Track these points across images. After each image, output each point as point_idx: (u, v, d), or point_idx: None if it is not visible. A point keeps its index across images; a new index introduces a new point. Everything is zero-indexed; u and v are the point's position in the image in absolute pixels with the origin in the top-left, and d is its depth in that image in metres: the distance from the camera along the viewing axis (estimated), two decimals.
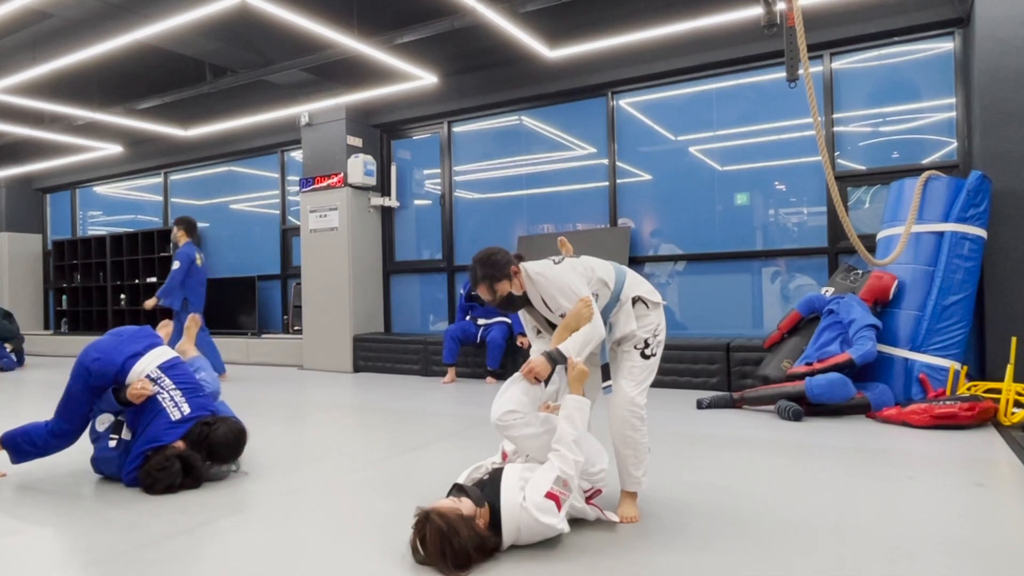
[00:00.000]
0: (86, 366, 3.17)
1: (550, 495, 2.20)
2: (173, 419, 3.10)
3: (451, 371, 6.70)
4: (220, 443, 3.11)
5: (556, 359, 2.43)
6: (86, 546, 2.46)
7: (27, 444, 3.23)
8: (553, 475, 2.23)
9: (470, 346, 6.73)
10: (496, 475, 2.35)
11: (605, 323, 2.56)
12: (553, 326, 2.62)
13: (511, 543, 2.24)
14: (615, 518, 2.51)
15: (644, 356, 2.59)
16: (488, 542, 2.16)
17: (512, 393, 2.43)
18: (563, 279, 2.52)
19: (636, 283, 2.68)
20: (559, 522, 2.20)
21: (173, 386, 3.20)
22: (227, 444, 3.13)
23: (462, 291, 6.93)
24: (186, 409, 3.15)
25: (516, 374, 2.50)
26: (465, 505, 2.18)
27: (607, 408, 2.61)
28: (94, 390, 3.18)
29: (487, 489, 2.29)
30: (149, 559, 2.31)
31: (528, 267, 2.58)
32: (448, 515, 2.10)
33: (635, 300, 2.63)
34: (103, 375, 3.15)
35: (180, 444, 3.09)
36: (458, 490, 2.27)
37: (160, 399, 3.14)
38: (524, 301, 2.61)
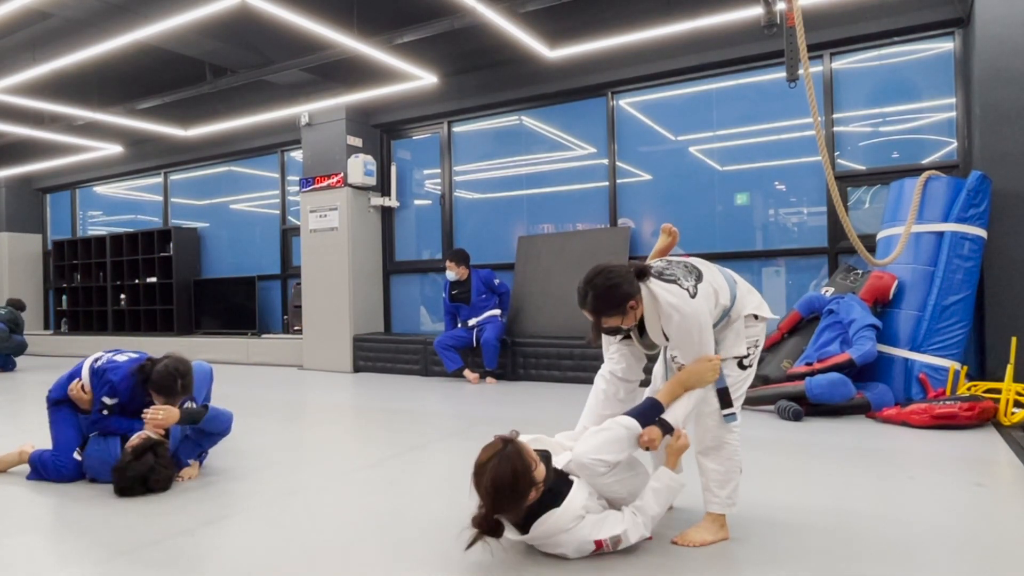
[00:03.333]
0: (49, 390, 3.43)
1: (599, 543, 2.14)
2: (120, 360, 3.30)
3: (467, 373, 6.59)
4: (160, 374, 3.17)
5: (666, 431, 2.22)
6: (86, 546, 2.46)
7: (40, 465, 3.34)
8: (617, 531, 2.15)
9: (466, 349, 6.72)
10: (561, 482, 2.18)
11: None
12: (643, 333, 2.34)
13: (527, 542, 2.20)
14: (648, 534, 2.29)
15: (741, 367, 2.36)
16: (514, 516, 2.11)
17: (607, 439, 2.19)
18: (699, 322, 2.19)
19: (747, 295, 2.39)
20: (578, 556, 2.17)
21: (115, 353, 3.41)
22: (166, 374, 3.16)
23: (444, 294, 6.92)
24: (132, 355, 3.36)
25: (614, 420, 2.22)
26: (539, 473, 2.09)
27: (694, 419, 2.37)
28: (63, 404, 3.39)
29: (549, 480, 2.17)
30: (149, 559, 2.31)
31: (658, 292, 2.20)
32: (526, 461, 2.05)
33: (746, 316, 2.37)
34: (61, 387, 3.38)
35: (137, 439, 3.16)
36: (546, 459, 2.20)
37: (103, 360, 3.33)
38: (629, 329, 2.32)
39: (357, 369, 7.73)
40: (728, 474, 2.33)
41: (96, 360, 3.38)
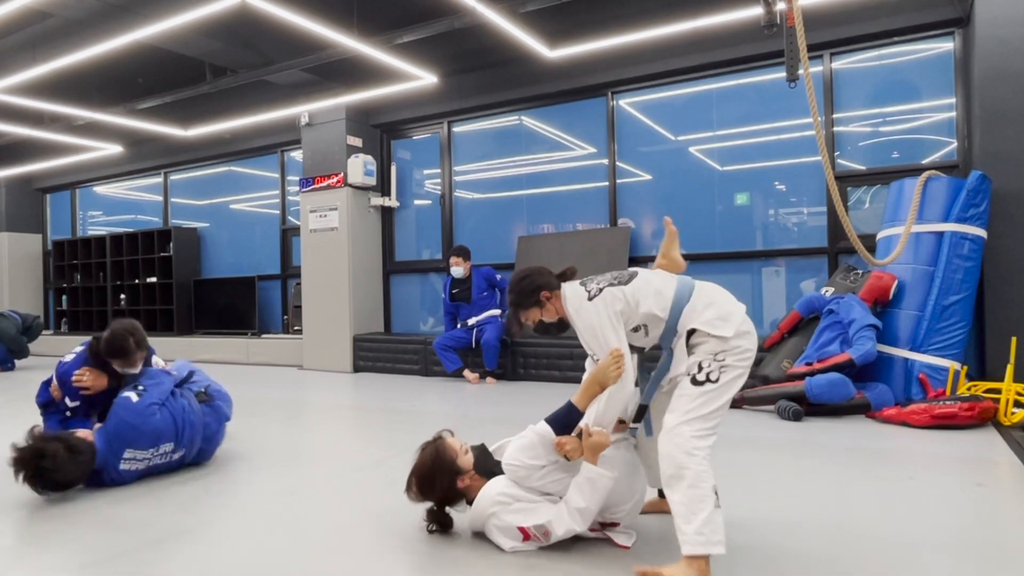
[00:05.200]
0: (36, 395, 3.61)
1: (522, 530, 2.23)
2: (69, 360, 3.45)
3: (467, 373, 6.59)
4: (108, 340, 3.26)
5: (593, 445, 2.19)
6: (86, 546, 2.46)
7: None
8: (539, 520, 2.21)
9: (465, 350, 6.72)
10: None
11: (666, 351, 2.27)
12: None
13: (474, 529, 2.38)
14: (626, 543, 2.28)
15: (696, 382, 2.12)
16: (454, 500, 2.37)
17: (521, 446, 2.29)
18: (591, 322, 2.19)
19: (699, 309, 2.18)
20: (513, 548, 2.24)
21: (71, 353, 3.55)
22: (115, 336, 3.24)
23: (444, 294, 6.92)
24: (79, 348, 3.50)
25: (540, 427, 2.28)
26: (465, 461, 2.34)
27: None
28: (50, 407, 3.53)
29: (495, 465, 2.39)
30: (149, 559, 2.31)
31: (567, 294, 2.29)
32: (446, 455, 2.33)
33: (691, 332, 2.18)
34: (44, 391, 3.52)
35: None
36: (479, 448, 2.40)
37: (61, 363, 3.51)
38: (566, 324, 2.35)
39: (357, 369, 7.73)
40: (693, 505, 2.00)
41: (61, 361, 3.46)
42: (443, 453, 2.33)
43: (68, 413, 3.40)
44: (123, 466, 3.05)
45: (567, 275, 2.38)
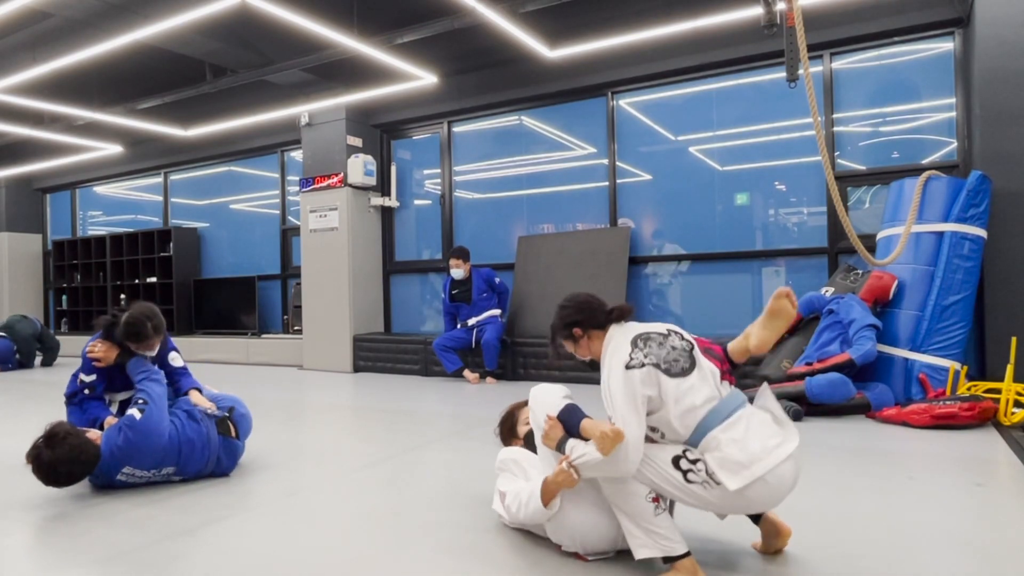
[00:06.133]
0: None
1: (500, 492, 2.47)
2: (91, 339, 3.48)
3: (467, 374, 6.59)
4: (127, 322, 3.28)
5: (560, 449, 2.10)
6: (86, 545, 2.46)
7: None
8: (503, 487, 2.44)
9: (465, 350, 6.72)
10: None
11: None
12: None
13: None
14: (586, 556, 2.20)
15: (675, 464, 1.99)
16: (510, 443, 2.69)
17: (546, 388, 2.37)
18: (616, 390, 1.99)
19: (721, 439, 1.97)
20: (500, 509, 2.46)
21: None
22: (133, 321, 3.28)
23: (444, 295, 6.92)
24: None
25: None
26: (520, 429, 2.65)
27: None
28: (74, 399, 3.56)
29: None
30: (149, 559, 2.31)
31: (609, 344, 2.11)
32: (512, 418, 2.73)
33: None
34: (72, 381, 3.56)
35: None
36: (527, 438, 2.58)
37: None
38: (598, 365, 2.21)
39: (357, 369, 7.73)
40: (633, 517, 2.01)
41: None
42: (511, 415, 2.74)
43: (87, 391, 3.43)
44: (119, 477, 3.06)
45: (615, 315, 2.17)
